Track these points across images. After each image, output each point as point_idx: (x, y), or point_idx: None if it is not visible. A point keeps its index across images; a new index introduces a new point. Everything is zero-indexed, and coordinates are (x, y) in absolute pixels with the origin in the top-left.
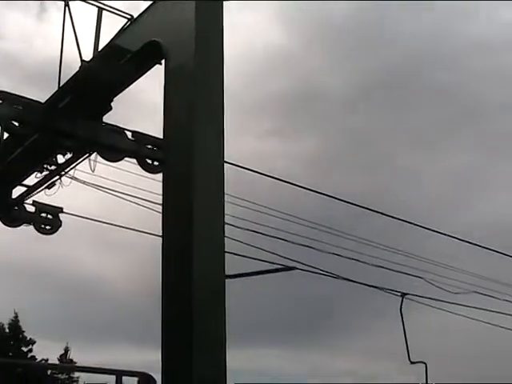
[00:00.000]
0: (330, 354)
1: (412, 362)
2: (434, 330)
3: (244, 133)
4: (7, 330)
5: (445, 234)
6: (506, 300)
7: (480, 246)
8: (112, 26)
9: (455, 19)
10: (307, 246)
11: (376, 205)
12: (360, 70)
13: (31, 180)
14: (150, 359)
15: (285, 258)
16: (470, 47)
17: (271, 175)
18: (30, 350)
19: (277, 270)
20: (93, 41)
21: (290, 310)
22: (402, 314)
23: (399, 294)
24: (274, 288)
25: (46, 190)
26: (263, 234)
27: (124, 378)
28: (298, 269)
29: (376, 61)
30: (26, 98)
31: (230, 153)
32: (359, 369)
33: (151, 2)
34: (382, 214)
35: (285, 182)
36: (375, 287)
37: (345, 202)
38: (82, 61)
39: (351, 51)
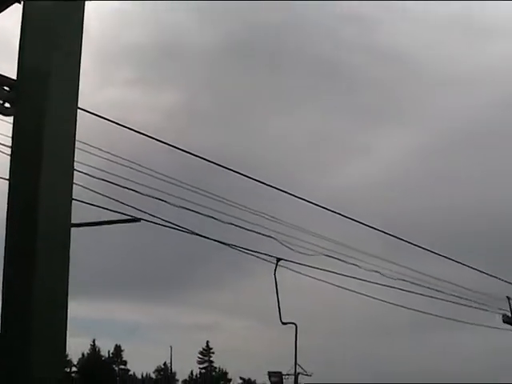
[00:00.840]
0: (182, 307)
1: (283, 323)
2: (286, 289)
3: (107, 82)
4: None
5: (300, 198)
6: (353, 264)
7: (334, 212)
8: None
9: None
10: (159, 199)
11: (235, 163)
12: (230, 30)
13: None
14: None
15: (136, 209)
16: (343, 19)
17: (128, 126)
18: None
19: (123, 221)
20: None
21: (141, 263)
22: (275, 278)
23: (252, 251)
24: (126, 239)
25: None
26: (116, 185)
27: None
28: (145, 220)
29: (245, 24)
30: None
31: (91, 101)
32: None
33: None
34: (239, 173)
35: (142, 134)
36: (228, 244)
37: (202, 158)
38: None
39: (221, 11)
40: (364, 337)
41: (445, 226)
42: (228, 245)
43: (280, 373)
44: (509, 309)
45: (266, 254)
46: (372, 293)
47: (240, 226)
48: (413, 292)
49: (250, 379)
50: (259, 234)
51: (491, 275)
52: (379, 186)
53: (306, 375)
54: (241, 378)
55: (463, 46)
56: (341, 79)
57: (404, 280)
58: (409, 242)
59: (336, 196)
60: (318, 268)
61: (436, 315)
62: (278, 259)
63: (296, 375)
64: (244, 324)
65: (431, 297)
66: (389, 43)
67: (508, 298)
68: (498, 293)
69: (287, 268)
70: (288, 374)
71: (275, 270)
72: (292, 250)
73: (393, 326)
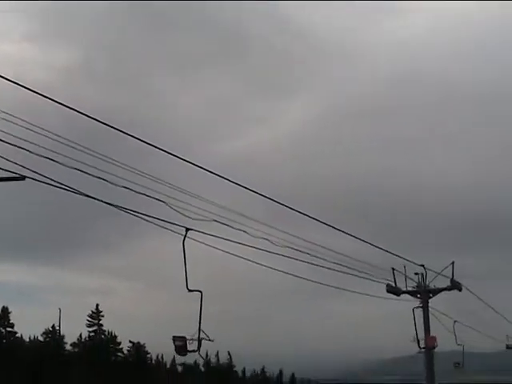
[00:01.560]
0: (73, 270)
1: (190, 290)
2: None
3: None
4: None
5: (192, 163)
6: (242, 230)
7: (225, 178)
8: None
9: None
10: (48, 158)
11: (128, 125)
12: None
13: None
14: None
15: (23, 167)
16: None
17: (18, 82)
18: None
19: (6, 179)
20: None
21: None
22: (184, 246)
23: (139, 214)
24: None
25: None
26: (1, 141)
27: None
28: (31, 178)
29: None
30: None
31: None
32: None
33: None
34: (130, 135)
35: (31, 91)
36: (117, 207)
37: (94, 119)
38: None
39: None
40: (253, 301)
41: (335, 196)
42: (117, 207)
43: (184, 337)
44: (393, 279)
45: (157, 218)
46: (261, 260)
47: (130, 189)
48: (300, 260)
49: (139, 343)
50: (150, 197)
51: (378, 247)
52: (272, 154)
53: (209, 340)
54: (130, 342)
55: (363, 22)
56: (240, 48)
57: (291, 248)
58: (298, 211)
59: (228, 162)
60: (209, 234)
61: (323, 283)
62: (187, 229)
63: (199, 340)
64: (134, 287)
65: (317, 265)
66: (291, 16)
67: (393, 268)
68: (383, 263)
69: (178, 233)
70: (192, 339)
71: (184, 240)
72: (183, 214)
73: (280, 292)
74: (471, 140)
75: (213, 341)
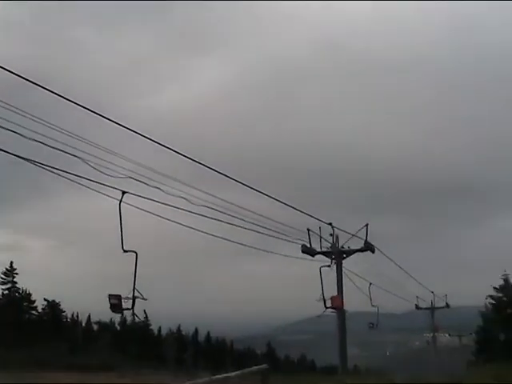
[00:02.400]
0: None
1: (125, 251)
2: (99, 213)
3: None
4: None
5: (109, 119)
6: (157, 187)
7: (143, 136)
8: None
9: None
10: None
11: (47, 80)
12: None
13: None
14: None
15: None
16: None
17: None
18: None
19: None
20: None
21: None
22: (120, 209)
23: (50, 167)
24: None
25: None
26: None
27: None
28: None
29: None
30: None
31: None
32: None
33: None
34: (47, 89)
35: None
36: (31, 161)
37: (9, 71)
38: None
39: None
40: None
41: (252, 158)
42: (31, 162)
43: (119, 296)
44: (308, 240)
45: (73, 175)
46: (180, 219)
47: (44, 143)
48: (218, 220)
49: (54, 301)
50: (67, 153)
51: (295, 208)
52: (190, 113)
53: (143, 299)
54: (45, 300)
55: None
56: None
57: (209, 207)
58: (213, 169)
59: (147, 120)
60: (127, 192)
61: (240, 243)
62: (124, 192)
63: (134, 298)
64: (49, 245)
65: (235, 225)
66: None
67: (308, 229)
68: (301, 225)
69: (97, 191)
70: (127, 298)
71: (120, 203)
72: (100, 172)
73: (200, 252)
74: (396, 106)
75: (146, 299)
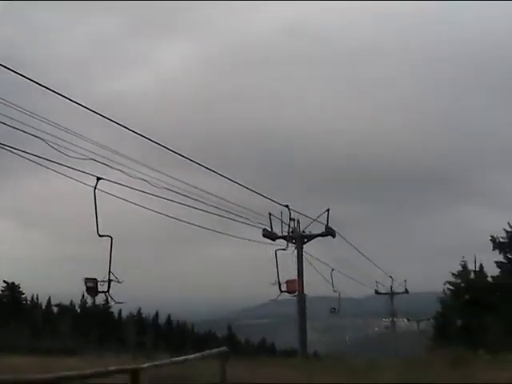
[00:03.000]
0: None
1: (100, 235)
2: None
3: None
4: None
5: (72, 100)
6: (119, 169)
7: (105, 117)
8: None
9: None
10: None
11: (3, 59)
12: None
13: None
14: None
15: None
16: None
17: None
18: None
19: None
20: None
21: None
22: (95, 194)
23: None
24: None
25: None
26: None
27: None
28: None
29: None
30: None
31: None
32: None
33: None
34: (8, 68)
35: None
36: None
37: None
38: None
39: None
40: (134, 244)
41: (215, 141)
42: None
43: (95, 279)
44: (269, 224)
45: (34, 155)
46: (141, 202)
47: (5, 124)
48: (179, 203)
49: (13, 283)
50: (27, 133)
51: (257, 192)
52: (153, 95)
53: (118, 282)
54: (4, 282)
55: None
56: None
57: (171, 190)
58: (176, 153)
59: (109, 102)
60: (88, 173)
61: (202, 227)
62: (98, 178)
63: (109, 282)
64: (7, 227)
65: (197, 208)
66: None
67: (270, 213)
68: (262, 209)
69: (59, 173)
70: (103, 281)
71: (95, 188)
72: (62, 153)
73: (161, 236)
74: (364, 91)
75: (121, 282)
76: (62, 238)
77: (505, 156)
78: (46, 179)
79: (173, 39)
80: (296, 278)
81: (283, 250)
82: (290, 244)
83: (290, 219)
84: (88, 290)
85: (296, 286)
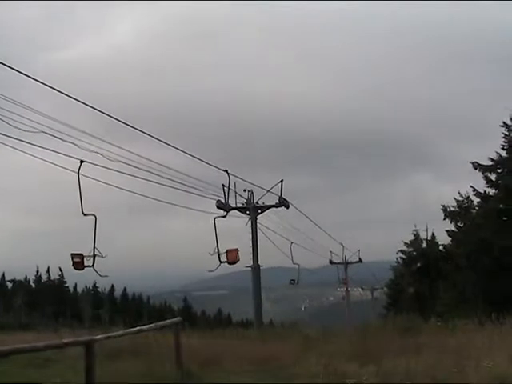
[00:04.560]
0: None
1: (85, 214)
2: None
3: None
4: None
5: (21, 72)
6: (73, 143)
7: (56, 89)
8: None
9: None
10: None
11: None
12: None
13: None
14: None
15: None
16: None
17: None
18: None
19: None
20: None
21: None
22: (79, 177)
23: None
24: None
25: None
26: None
27: None
28: None
29: None
30: None
31: None
32: None
33: None
34: None
35: None
36: None
37: None
38: None
39: None
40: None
41: (169, 114)
42: None
43: (81, 254)
44: (223, 195)
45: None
46: (94, 175)
47: None
48: (134, 176)
49: None
50: None
51: (198, 158)
52: (105, 66)
53: (101, 257)
54: None
55: None
56: None
57: (125, 163)
58: (129, 125)
59: (60, 73)
60: (39, 146)
61: (155, 199)
62: (82, 161)
63: (94, 256)
64: None
65: (152, 181)
66: None
67: (223, 185)
68: (215, 181)
69: (7, 145)
70: (89, 256)
71: (78, 172)
72: (10, 125)
73: (117, 208)
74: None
75: (104, 257)
76: (13, 212)
77: (455, 126)
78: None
79: (125, 6)
80: (236, 247)
81: (223, 217)
82: (244, 215)
83: (224, 187)
84: (74, 264)
85: (236, 257)
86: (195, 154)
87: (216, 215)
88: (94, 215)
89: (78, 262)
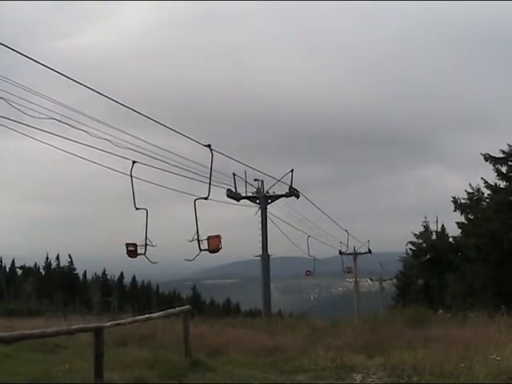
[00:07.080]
0: None
1: (137, 209)
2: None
3: None
4: None
5: (31, 59)
6: (83, 130)
7: (66, 76)
8: None
9: None
10: None
11: None
12: None
13: None
14: None
15: None
16: None
17: None
18: None
19: None
20: None
21: None
22: (131, 177)
23: None
24: None
25: None
26: None
27: None
28: None
29: None
30: None
31: None
32: None
33: None
34: None
35: None
36: None
37: None
38: None
39: None
40: (96, 205)
41: (175, 103)
42: None
43: (135, 244)
44: (233, 184)
45: None
46: (103, 161)
47: None
48: (143, 163)
49: None
50: None
51: (180, 133)
52: (115, 54)
53: (152, 246)
54: None
55: None
56: None
57: (134, 150)
58: (138, 113)
59: (71, 60)
60: (50, 133)
61: (165, 186)
62: (134, 162)
63: (146, 246)
64: None
65: (160, 169)
66: None
67: (234, 174)
68: (225, 169)
69: (19, 132)
70: (142, 245)
71: (131, 171)
72: (22, 112)
73: (124, 196)
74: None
75: (155, 246)
76: (25, 199)
77: (466, 118)
78: (6, 139)
79: None
80: (219, 234)
81: (204, 199)
82: (254, 204)
83: (212, 163)
84: (129, 252)
85: (218, 244)
86: (200, 141)
87: (196, 197)
88: (145, 209)
89: (132, 251)
